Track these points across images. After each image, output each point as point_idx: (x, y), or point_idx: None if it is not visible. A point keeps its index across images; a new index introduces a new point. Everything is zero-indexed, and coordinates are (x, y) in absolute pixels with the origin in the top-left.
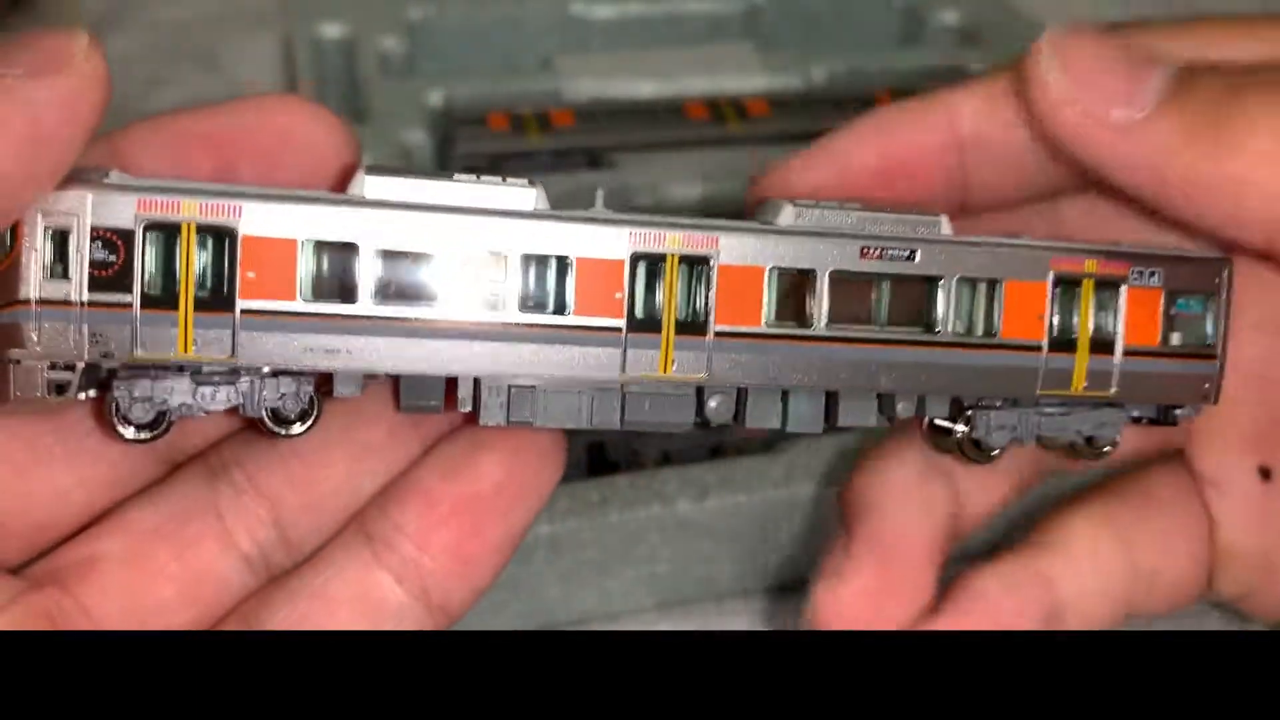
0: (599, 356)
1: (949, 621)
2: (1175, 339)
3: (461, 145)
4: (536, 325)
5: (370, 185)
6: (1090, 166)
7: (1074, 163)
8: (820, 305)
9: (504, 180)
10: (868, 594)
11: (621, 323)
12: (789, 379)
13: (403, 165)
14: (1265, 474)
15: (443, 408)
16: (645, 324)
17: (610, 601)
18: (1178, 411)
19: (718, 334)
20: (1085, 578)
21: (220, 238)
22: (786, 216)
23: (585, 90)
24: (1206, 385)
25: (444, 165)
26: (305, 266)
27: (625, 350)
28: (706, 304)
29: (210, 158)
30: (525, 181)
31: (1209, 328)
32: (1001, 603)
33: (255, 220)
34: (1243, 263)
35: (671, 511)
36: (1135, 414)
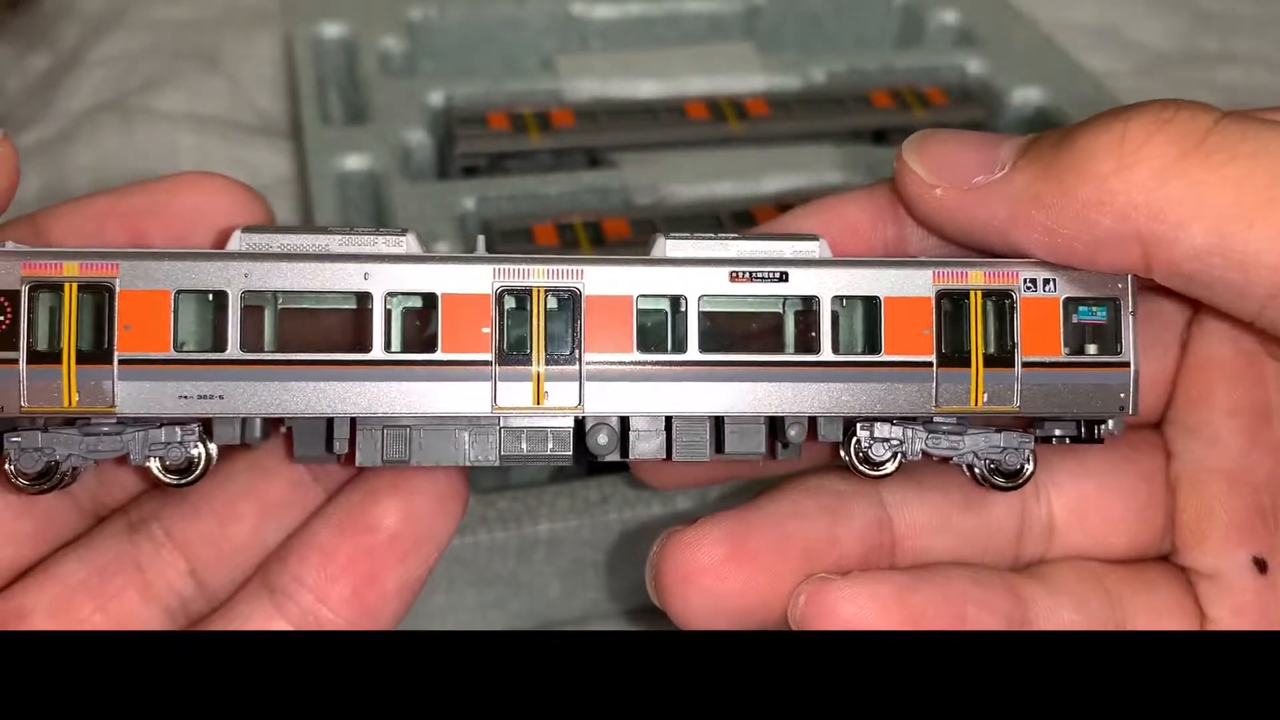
0: (469, 391)
1: (915, 588)
2: (1083, 349)
3: (462, 145)
4: (406, 363)
5: (243, 240)
6: (963, 234)
7: (951, 237)
8: (691, 331)
9: (378, 230)
10: (706, 548)
11: (490, 356)
12: (667, 407)
13: (286, 225)
14: (1261, 566)
15: (339, 459)
16: (515, 357)
17: (610, 601)
18: (1102, 428)
19: (589, 364)
20: (1065, 611)
21: (99, 294)
22: (659, 248)
23: (585, 90)
24: (1122, 395)
25: (444, 165)
26: (178, 317)
27: (495, 384)
28: (575, 335)
29: (125, 235)
30: (399, 230)
31: (1119, 336)
32: (968, 590)
33: (131, 276)
34: (1216, 342)
35: (672, 511)
36: (1057, 433)
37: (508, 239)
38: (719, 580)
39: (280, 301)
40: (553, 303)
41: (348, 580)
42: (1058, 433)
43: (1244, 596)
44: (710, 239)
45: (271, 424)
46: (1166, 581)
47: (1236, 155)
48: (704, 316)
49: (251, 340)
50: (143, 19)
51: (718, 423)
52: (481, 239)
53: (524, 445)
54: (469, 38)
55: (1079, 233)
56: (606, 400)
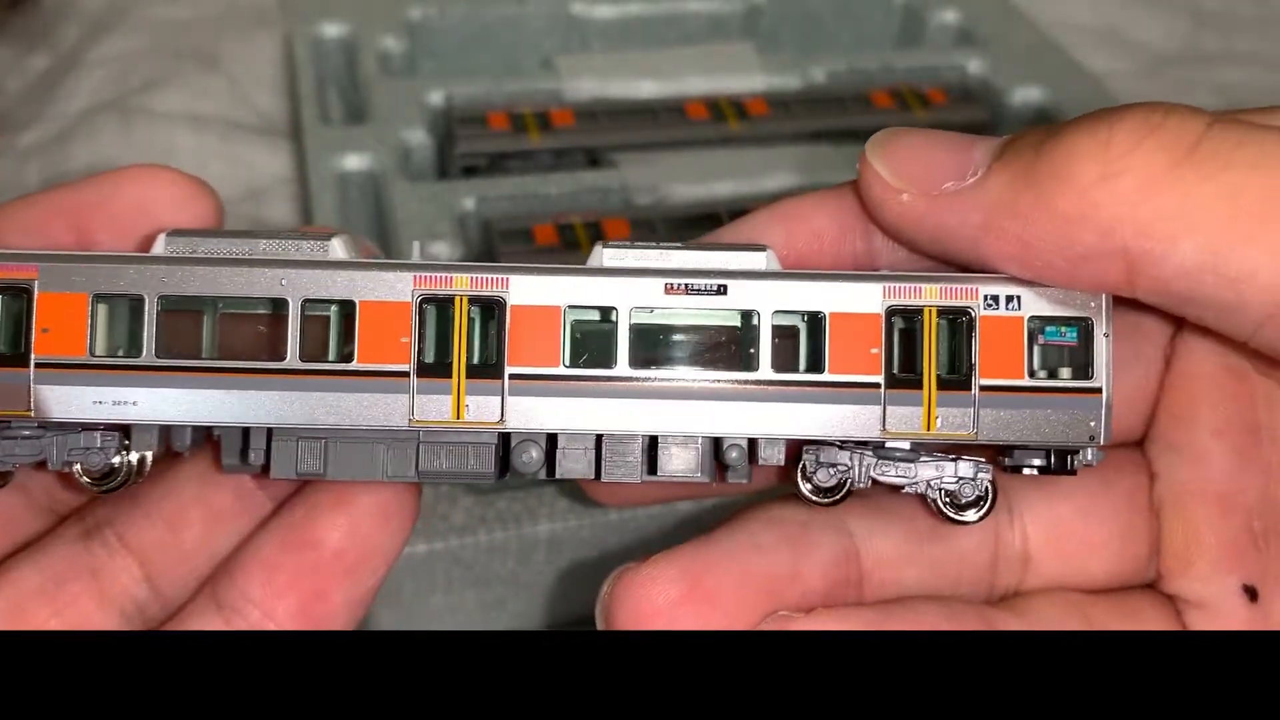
0: (386, 403)
1: (883, 625)
2: (1052, 372)
3: (462, 145)
4: (322, 372)
5: (167, 244)
6: (931, 244)
7: (918, 246)
8: (621, 345)
9: (304, 234)
10: (661, 588)
11: (409, 367)
12: (596, 424)
13: (215, 229)
14: (1252, 594)
15: (259, 469)
16: (434, 369)
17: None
18: (1077, 459)
19: (513, 376)
20: None
21: (18, 297)
22: (595, 257)
23: (585, 90)
24: (1092, 424)
25: (444, 165)
26: (95, 321)
27: (413, 396)
28: (499, 347)
29: (70, 231)
30: (326, 234)
31: (1089, 359)
32: (940, 627)
33: (49, 279)
34: (1201, 357)
35: (672, 511)
36: (1032, 462)
37: (508, 239)
38: (674, 622)
39: (220, 308)
40: (476, 312)
41: (294, 596)
42: (1033, 462)
43: (1234, 625)
44: (651, 248)
45: (205, 432)
46: (1152, 610)
47: (1232, 164)
48: (636, 330)
49: (185, 347)
50: (142, 19)
51: (651, 444)
52: (417, 245)
53: (443, 461)
54: (469, 37)
55: (1057, 247)
56: (531, 416)
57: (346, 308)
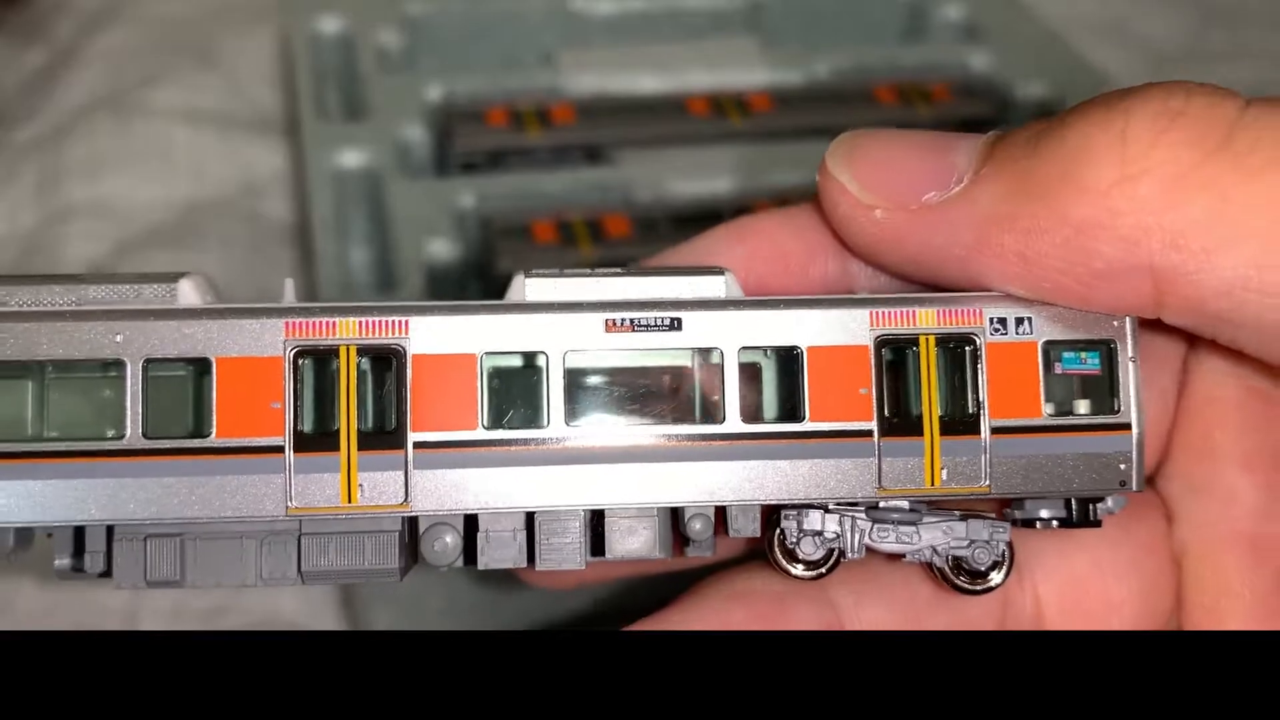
0: (257, 488)
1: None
2: (1070, 407)
3: (460, 141)
4: (172, 452)
5: None
6: (911, 266)
7: (895, 269)
8: (555, 399)
9: (145, 277)
10: None
11: (284, 440)
12: (526, 499)
13: (29, 275)
14: None
15: (99, 574)
16: (317, 440)
17: (609, 602)
18: (1100, 506)
19: (419, 445)
20: None
21: None
22: (517, 289)
23: (586, 85)
24: (1123, 466)
25: (443, 161)
26: None
27: (290, 477)
28: (400, 408)
29: None
30: (172, 275)
31: (1115, 389)
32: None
33: None
34: (1219, 379)
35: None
36: (1043, 515)
37: (507, 236)
38: None
39: (41, 374)
40: (367, 365)
41: None
42: (1043, 515)
43: None
44: (585, 276)
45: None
46: None
47: (1277, 157)
48: (572, 378)
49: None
50: (139, 14)
51: (596, 518)
52: (289, 283)
53: (333, 557)
54: (468, 32)
55: (1068, 264)
56: (444, 493)
57: (201, 367)
